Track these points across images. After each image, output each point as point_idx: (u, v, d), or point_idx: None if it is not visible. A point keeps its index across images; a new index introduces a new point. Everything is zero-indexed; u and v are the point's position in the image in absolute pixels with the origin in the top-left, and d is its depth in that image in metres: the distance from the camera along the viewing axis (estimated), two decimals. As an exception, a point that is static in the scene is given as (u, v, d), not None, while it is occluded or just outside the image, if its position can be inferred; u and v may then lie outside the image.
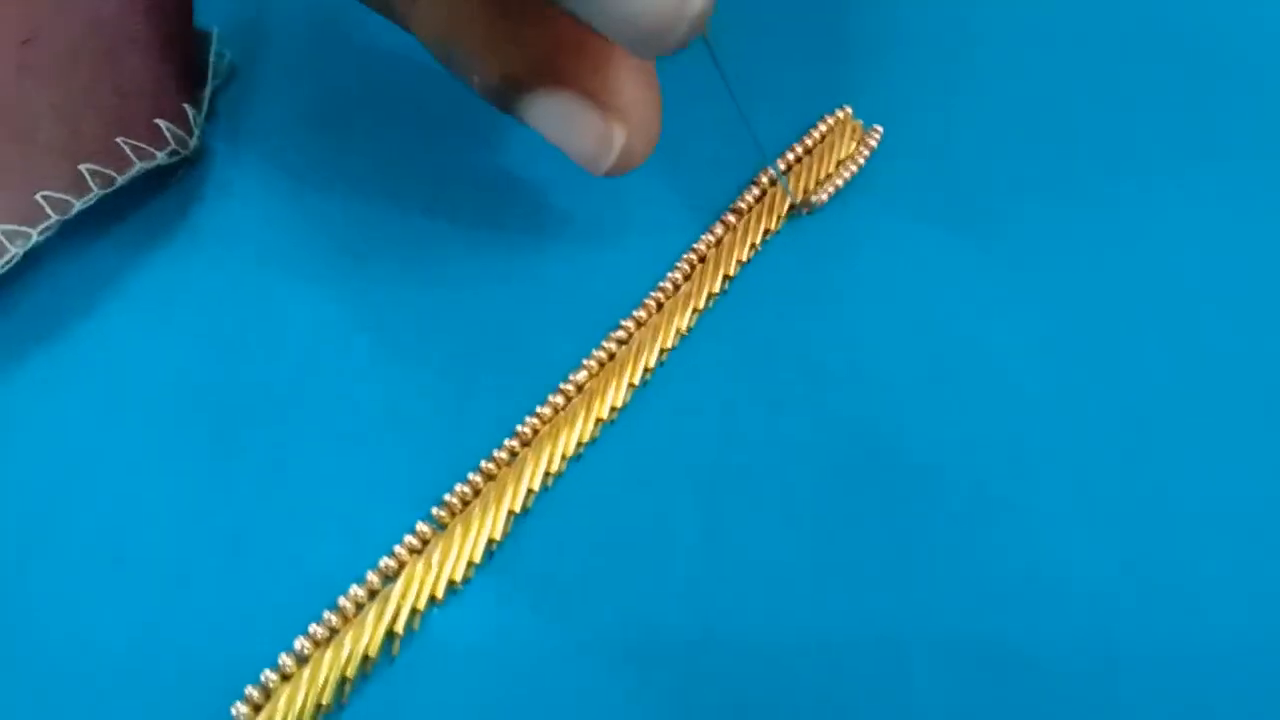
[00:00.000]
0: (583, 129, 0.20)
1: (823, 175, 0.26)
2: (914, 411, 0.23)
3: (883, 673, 0.20)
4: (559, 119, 0.20)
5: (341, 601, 0.20)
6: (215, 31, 0.29)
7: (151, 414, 0.22)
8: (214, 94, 0.28)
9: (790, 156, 0.26)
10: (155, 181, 0.26)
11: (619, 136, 0.20)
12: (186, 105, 0.27)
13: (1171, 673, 0.20)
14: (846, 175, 0.26)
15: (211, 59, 0.28)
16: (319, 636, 0.20)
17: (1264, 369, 0.24)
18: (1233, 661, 0.21)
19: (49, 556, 0.21)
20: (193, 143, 0.26)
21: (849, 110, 0.27)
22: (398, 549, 0.21)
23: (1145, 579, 0.21)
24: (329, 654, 0.20)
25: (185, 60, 0.28)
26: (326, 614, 0.20)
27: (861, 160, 0.26)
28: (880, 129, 0.27)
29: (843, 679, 0.20)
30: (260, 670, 0.19)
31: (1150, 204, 0.26)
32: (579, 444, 0.22)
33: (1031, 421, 0.23)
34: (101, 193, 0.24)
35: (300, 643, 0.20)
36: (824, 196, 0.25)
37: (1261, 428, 0.23)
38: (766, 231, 0.25)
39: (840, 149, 0.27)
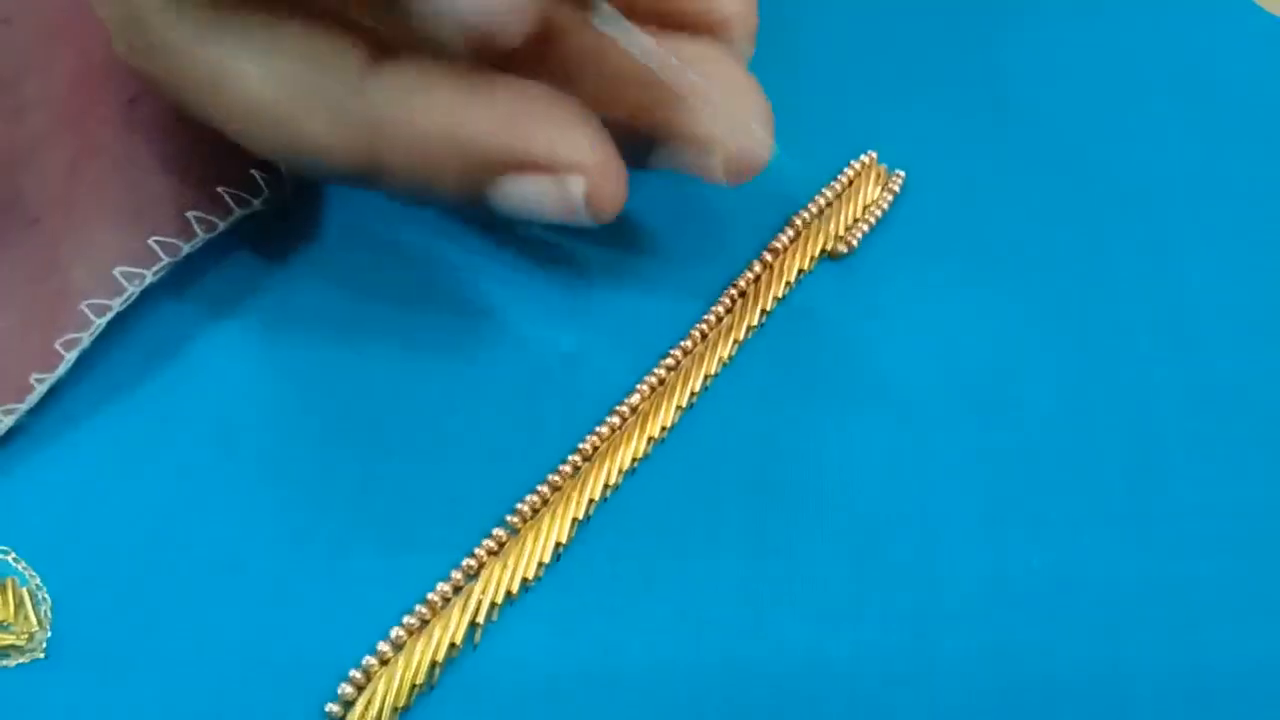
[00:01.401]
0: (545, 199, 0.21)
1: (850, 220, 0.29)
2: (941, 436, 0.26)
3: (919, 683, 0.23)
4: (521, 199, 0.22)
5: (431, 596, 0.23)
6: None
7: (259, 434, 0.25)
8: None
9: (821, 201, 0.29)
10: (250, 229, 0.29)
11: (577, 191, 0.21)
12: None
13: (1182, 684, 0.23)
14: (872, 220, 0.29)
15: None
16: (412, 627, 0.23)
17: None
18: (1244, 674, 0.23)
19: (174, 566, 0.24)
20: (286, 190, 0.29)
21: (874, 155, 0.30)
22: (478, 551, 0.24)
23: (1164, 602, 0.24)
24: (420, 642, 0.22)
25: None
26: (418, 608, 0.23)
27: (886, 205, 0.29)
28: (903, 174, 0.30)
29: (881, 686, 0.23)
30: (362, 657, 0.22)
31: (1176, 246, 0.29)
32: (633, 460, 0.25)
33: (1058, 457, 0.26)
34: (206, 237, 0.27)
35: (396, 632, 0.23)
36: (854, 241, 0.28)
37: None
38: (800, 271, 0.28)
39: (866, 193, 0.29)
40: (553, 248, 0.29)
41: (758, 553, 0.24)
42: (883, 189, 0.30)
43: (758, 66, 0.32)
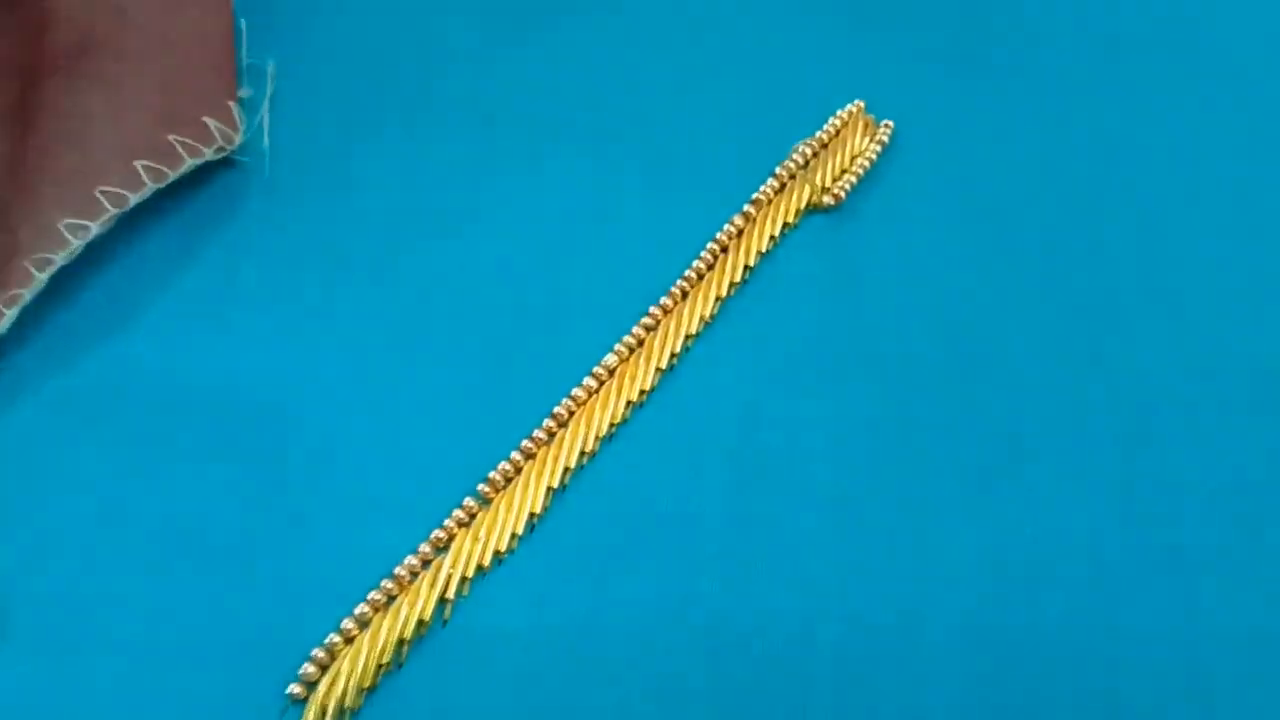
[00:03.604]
0: None
1: (837, 171, 0.28)
2: (930, 400, 0.24)
3: (903, 647, 0.22)
4: None
5: (398, 571, 0.22)
6: (244, 25, 0.30)
7: (204, 409, 0.24)
8: (259, 94, 0.29)
9: (807, 151, 0.28)
10: (201, 180, 0.27)
11: None
12: (231, 103, 0.28)
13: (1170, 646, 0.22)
14: (861, 171, 0.27)
15: (244, 53, 0.30)
16: (378, 603, 0.21)
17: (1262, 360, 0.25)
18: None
19: (125, 540, 0.22)
20: (238, 139, 0.28)
21: (861, 105, 0.29)
22: (447, 522, 0.22)
23: (1143, 558, 0.23)
24: (387, 619, 0.21)
25: (228, 58, 0.29)
26: (384, 582, 0.22)
27: (874, 156, 0.28)
28: (891, 124, 0.29)
29: (865, 651, 0.22)
30: (326, 634, 0.21)
31: (1173, 203, 0.28)
32: (611, 425, 0.24)
33: (1048, 424, 0.25)
34: (155, 187, 0.26)
35: (361, 609, 0.21)
36: (842, 193, 0.27)
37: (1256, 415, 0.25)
38: (785, 225, 0.27)
39: (853, 144, 0.28)
40: (529, 200, 0.27)
41: (739, 521, 0.23)
42: (871, 140, 0.28)
43: (740, 11, 0.31)
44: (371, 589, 0.22)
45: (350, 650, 0.21)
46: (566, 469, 0.23)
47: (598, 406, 0.24)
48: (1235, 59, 0.31)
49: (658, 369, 0.25)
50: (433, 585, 0.22)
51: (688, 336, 0.25)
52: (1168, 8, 0.32)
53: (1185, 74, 0.30)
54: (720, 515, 0.23)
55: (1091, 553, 0.23)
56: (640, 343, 0.25)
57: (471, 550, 0.22)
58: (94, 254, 0.25)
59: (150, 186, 0.26)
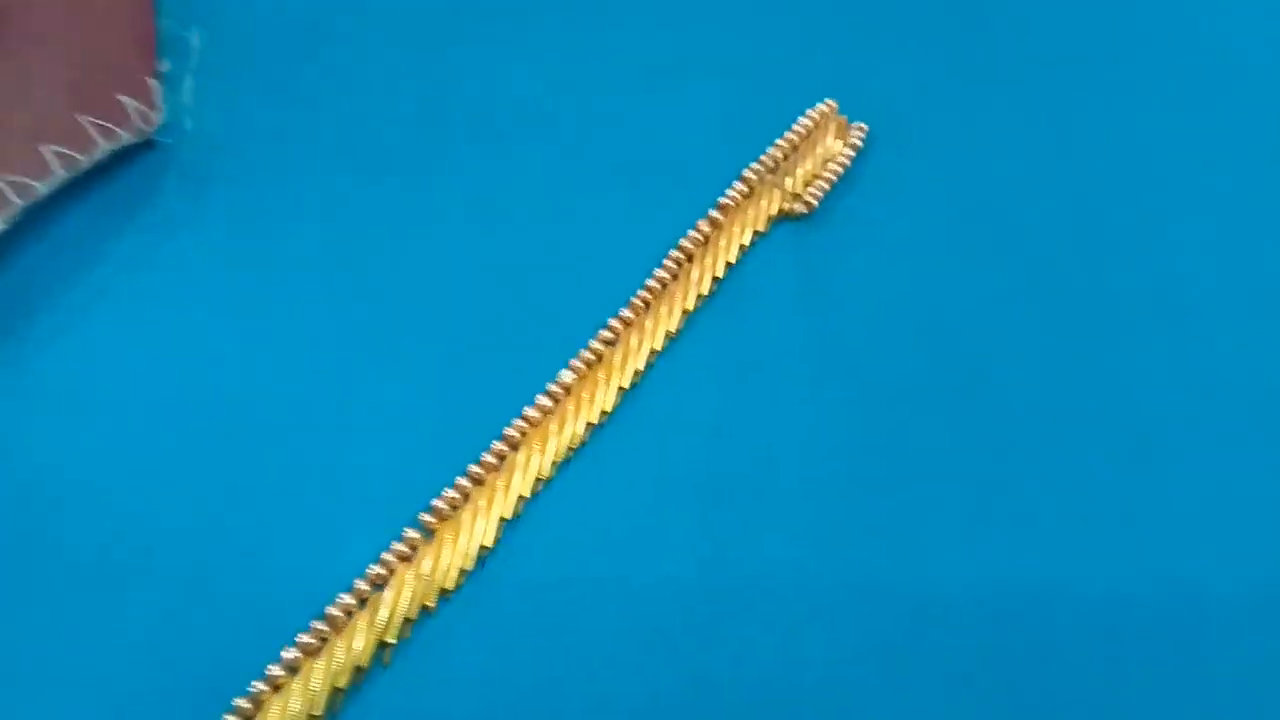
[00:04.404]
0: None
1: (809, 176, 0.26)
2: (907, 414, 0.23)
3: (887, 681, 0.20)
4: None
5: (330, 610, 0.20)
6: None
7: (117, 417, 0.22)
8: (180, 71, 0.26)
9: (777, 154, 0.26)
10: (118, 165, 0.25)
11: None
12: (150, 79, 0.25)
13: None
14: (833, 176, 0.26)
15: (164, 22, 0.27)
16: (310, 647, 0.19)
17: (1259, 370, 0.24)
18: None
19: (42, 568, 0.20)
20: (158, 119, 0.25)
21: (834, 105, 0.27)
22: (386, 556, 0.20)
23: (1139, 573, 0.22)
24: (320, 664, 0.19)
25: (146, 34, 0.26)
26: (315, 624, 0.20)
27: (848, 161, 0.26)
28: (865, 126, 0.27)
29: (847, 687, 0.20)
30: (249, 682, 0.19)
31: (1160, 211, 0.26)
32: (568, 448, 0.22)
33: (1027, 423, 0.23)
34: (66, 176, 0.23)
35: (289, 653, 0.19)
36: (814, 200, 0.25)
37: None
38: (755, 233, 0.25)
39: (825, 147, 0.27)
40: (472, 200, 0.25)
41: (709, 554, 0.21)
42: (844, 142, 0.27)
43: (703, 5, 0.29)
44: (300, 631, 0.20)
45: (278, 700, 0.19)
46: (520, 497, 0.21)
47: (553, 427, 0.22)
48: (1227, 53, 0.29)
49: (619, 388, 0.23)
50: (371, 626, 0.20)
51: (652, 352, 0.23)
52: (1167, 11, 0.30)
53: (1174, 72, 0.29)
54: (688, 546, 0.21)
55: (1084, 574, 0.22)
56: (599, 358, 0.23)
57: (415, 588, 0.20)
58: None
59: (61, 175, 0.23)
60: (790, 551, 0.22)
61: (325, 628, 0.20)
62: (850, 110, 0.28)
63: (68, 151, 0.23)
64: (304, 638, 0.19)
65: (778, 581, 0.21)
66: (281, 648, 0.19)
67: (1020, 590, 0.21)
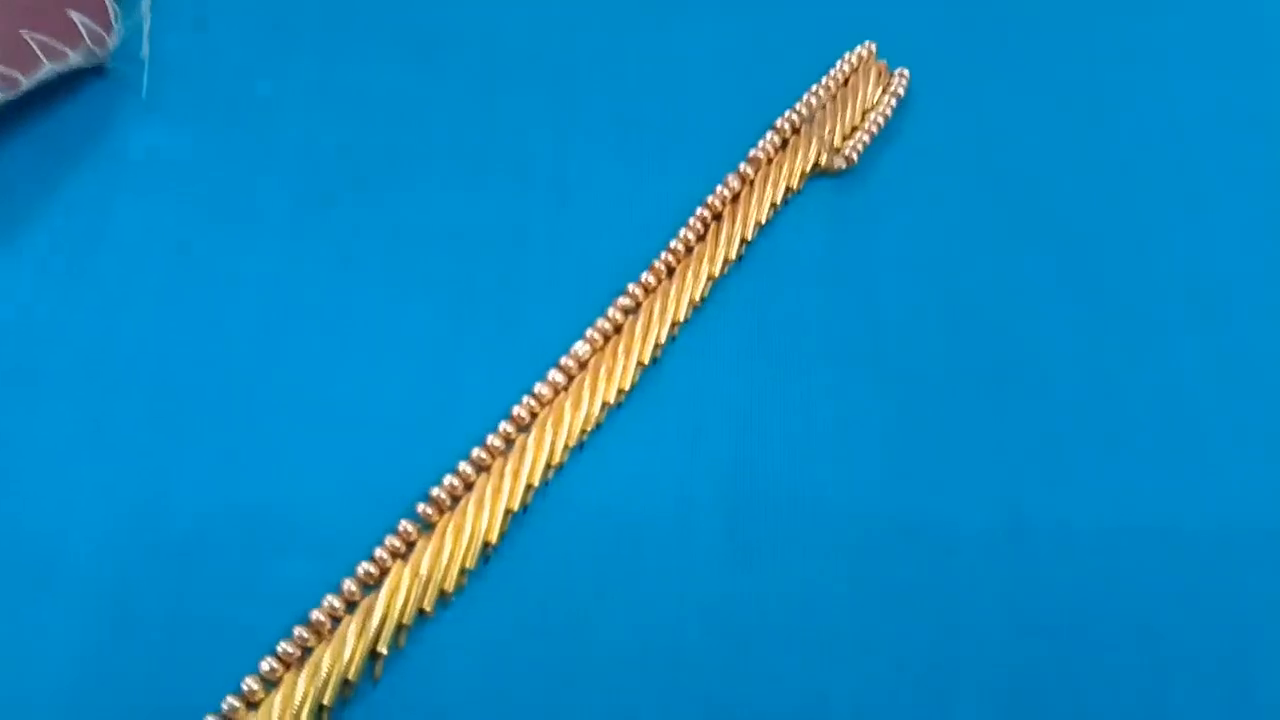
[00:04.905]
0: None
1: (848, 127, 0.23)
2: (947, 394, 0.21)
3: (923, 667, 0.18)
4: None
5: (315, 615, 0.17)
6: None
7: (66, 388, 0.19)
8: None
9: (813, 102, 0.23)
10: (65, 93, 0.22)
11: None
12: (106, -4, 0.22)
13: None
14: (874, 129, 0.23)
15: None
16: (291, 657, 0.17)
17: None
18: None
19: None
20: (110, 42, 0.22)
21: (873, 48, 0.25)
22: (379, 552, 0.18)
23: (1173, 546, 0.20)
24: (303, 677, 0.17)
25: (102, -63, 0.23)
26: (298, 630, 0.17)
27: (889, 112, 0.24)
28: (907, 72, 0.24)
29: (884, 683, 0.18)
30: (221, 697, 0.17)
31: (1202, 176, 0.24)
32: (582, 431, 0.20)
33: (1071, 399, 0.21)
34: (4, 96, 0.20)
35: (268, 664, 0.17)
36: (854, 155, 0.23)
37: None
38: (788, 190, 0.23)
39: (865, 95, 0.24)
40: (472, 140, 0.22)
41: (736, 551, 0.19)
42: (884, 90, 0.24)
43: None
44: (282, 638, 0.17)
45: (254, 718, 0.16)
46: (529, 486, 0.19)
47: (567, 407, 0.20)
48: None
49: (639, 363, 0.20)
50: (361, 634, 0.17)
51: (674, 324, 0.21)
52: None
53: (1228, 44, 0.27)
54: (715, 542, 0.19)
55: (1120, 549, 0.20)
56: (617, 329, 0.21)
57: (410, 589, 0.18)
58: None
59: (-1, 94, 0.20)
60: (823, 546, 0.19)
61: (309, 635, 0.17)
62: (890, 54, 0.25)
63: (7, 71, 0.20)
64: (284, 646, 0.17)
65: (808, 580, 0.19)
66: (259, 658, 0.17)
67: (1050, 566, 0.19)
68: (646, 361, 0.20)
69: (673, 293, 0.21)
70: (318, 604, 0.18)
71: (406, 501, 0.19)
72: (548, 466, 0.19)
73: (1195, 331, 0.22)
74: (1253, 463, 0.21)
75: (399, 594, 0.18)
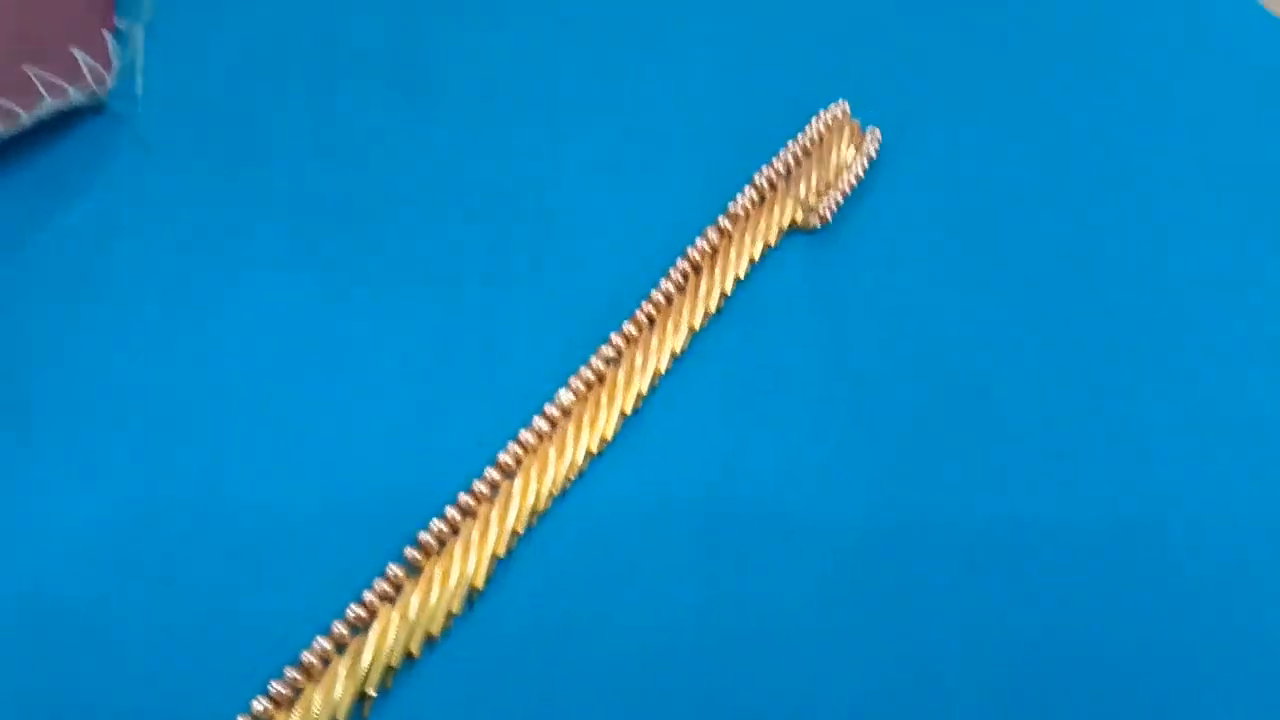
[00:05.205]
0: None
1: (822, 185, 0.24)
2: (925, 442, 0.22)
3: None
4: None
5: (305, 657, 0.18)
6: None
7: (60, 424, 0.19)
8: (129, 20, 0.24)
9: (789, 159, 0.24)
10: (63, 129, 0.22)
11: None
12: (106, 33, 0.23)
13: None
14: (847, 188, 0.24)
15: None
16: (282, 698, 0.18)
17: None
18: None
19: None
20: (110, 80, 0.23)
21: (846, 108, 0.26)
22: (368, 595, 0.19)
23: (1142, 597, 0.21)
24: (295, 717, 0.17)
25: (103, -25, 0.23)
26: (288, 671, 0.18)
27: (861, 171, 0.25)
28: (879, 132, 0.25)
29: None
30: (214, 736, 0.17)
31: (1170, 225, 0.26)
32: (566, 478, 0.20)
33: (1045, 446, 0.22)
34: (5, 131, 0.21)
35: (259, 704, 0.17)
36: (828, 213, 0.24)
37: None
38: (765, 245, 0.23)
39: (839, 154, 0.25)
40: (457, 188, 0.23)
41: (719, 596, 0.20)
42: (858, 150, 0.25)
43: (723, 7, 0.27)
44: (273, 678, 0.18)
45: (246, 758, 0.17)
46: (514, 532, 0.20)
47: (551, 455, 0.20)
48: (1242, 67, 0.29)
49: (621, 412, 0.21)
50: (350, 676, 0.18)
51: (655, 374, 0.22)
52: (1173, 12, 0.29)
53: (1194, 83, 0.28)
54: (697, 588, 0.20)
55: (1093, 601, 0.21)
56: (600, 378, 0.21)
57: (399, 632, 0.18)
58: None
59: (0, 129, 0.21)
60: (801, 587, 0.20)
61: (299, 675, 0.18)
62: (862, 113, 0.26)
63: (9, 104, 0.21)
64: (276, 686, 0.18)
65: (788, 621, 0.20)
66: (247, 695, 0.18)
67: (1027, 608, 0.21)
68: (629, 410, 0.21)
69: (654, 343, 0.22)
70: (304, 643, 0.18)
71: (392, 539, 0.19)
72: (532, 513, 0.20)
73: (1163, 374, 0.24)
74: (1219, 492, 0.22)
75: (387, 637, 0.18)
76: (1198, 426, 0.23)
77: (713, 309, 0.23)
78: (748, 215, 0.24)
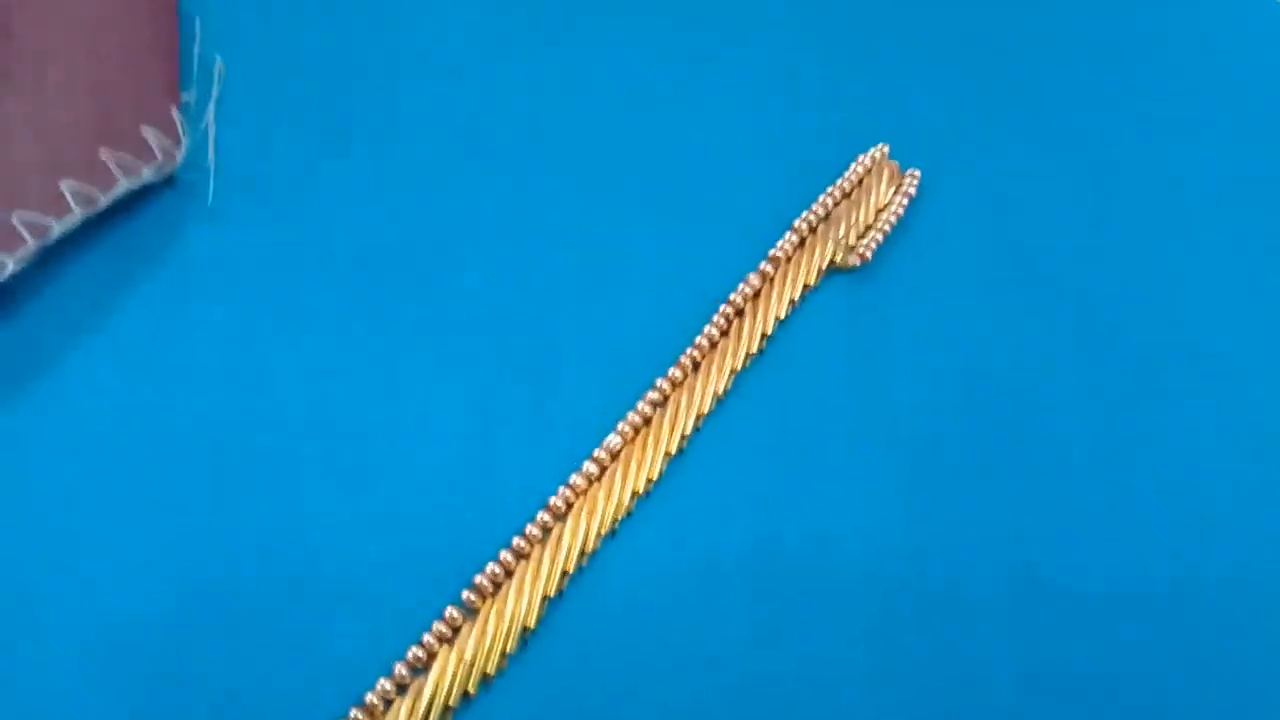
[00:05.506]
0: None
1: (862, 227, 0.25)
2: (968, 482, 0.22)
3: None
4: None
5: (369, 698, 0.19)
6: (199, 24, 0.26)
7: (134, 478, 0.20)
8: (204, 100, 0.25)
9: (829, 202, 0.25)
10: (136, 203, 0.24)
11: None
12: (174, 111, 0.24)
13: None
14: (887, 227, 0.25)
15: (196, 56, 0.26)
16: (346, 737, 0.18)
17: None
18: None
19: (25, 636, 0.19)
20: (180, 154, 0.24)
21: (885, 149, 0.26)
22: (427, 637, 0.19)
23: (1192, 632, 0.21)
24: (357, 757, 0.18)
25: (170, 58, 0.25)
26: (354, 712, 0.19)
27: (901, 210, 0.25)
28: (918, 173, 0.26)
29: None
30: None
31: (1224, 251, 0.26)
32: (614, 519, 0.21)
33: (1081, 488, 0.22)
34: (84, 214, 0.22)
35: (325, 744, 0.18)
36: (868, 253, 0.24)
37: None
38: (806, 286, 0.24)
39: (878, 195, 0.25)
40: (510, 241, 0.24)
41: (764, 634, 0.20)
42: (897, 190, 0.26)
43: (749, 47, 0.28)
44: (339, 718, 0.18)
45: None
46: (565, 573, 0.20)
47: (600, 497, 0.21)
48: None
49: (666, 453, 0.22)
50: (411, 716, 0.19)
51: (699, 415, 0.22)
52: (1207, 37, 0.29)
53: (1233, 108, 0.28)
54: (742, 625, 0.20)
55: (1133, 615, 0.21)
56: (646, 421, 0.22)
57: (456, 671, 0.19)
58: (5, 293, 0.21)
59: (78, 213, 0.22)
60: (846, 629, 0.21)
61: (363, 716, 0.19)
62: (902, 155, 0.26)
63: (87, 188, 0.22)
64: (340, 728, 0.18)
65: (833, 663, 0.20)
66: (314, 735, 0.18)
67: (1078, 646, 0.21)
68: (674, 452, 0.22)
69: (698, 386, 0.23)
70: (369, 684, 0.19)
71: (450, 583, 0.20)
72: (581, 554, 0.21)
73: (1208, 405, 0.24)
74: (1264, 531, 0.22)
75: (446, 677, 0.19)
76: (1249, 460, 0.23)
77: (754, 350, 0.23)
78: (788, 258, 0.24)
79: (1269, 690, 0.21)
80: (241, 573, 0.20)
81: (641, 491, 0.21)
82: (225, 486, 0.21)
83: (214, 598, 0.20)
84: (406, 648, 0.19)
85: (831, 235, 0.25)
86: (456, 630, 0.20)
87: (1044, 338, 0.24)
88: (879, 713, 0.20)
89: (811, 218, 0.25)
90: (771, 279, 0.24)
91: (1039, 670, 0.21)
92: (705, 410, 0.22)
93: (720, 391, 0.23)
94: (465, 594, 0.20)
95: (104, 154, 0.23)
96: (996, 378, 0.23)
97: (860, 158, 0.26)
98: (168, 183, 0.24)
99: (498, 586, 0.20)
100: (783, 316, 0.24)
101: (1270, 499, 0.23)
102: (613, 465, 0.22)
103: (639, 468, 0.21)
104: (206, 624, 0.19)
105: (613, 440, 0.22)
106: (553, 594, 0.20)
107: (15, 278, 0.21)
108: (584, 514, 0.21)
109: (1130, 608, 0.21)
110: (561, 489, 0.21)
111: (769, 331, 0.23)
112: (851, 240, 0.25)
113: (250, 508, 0.21)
